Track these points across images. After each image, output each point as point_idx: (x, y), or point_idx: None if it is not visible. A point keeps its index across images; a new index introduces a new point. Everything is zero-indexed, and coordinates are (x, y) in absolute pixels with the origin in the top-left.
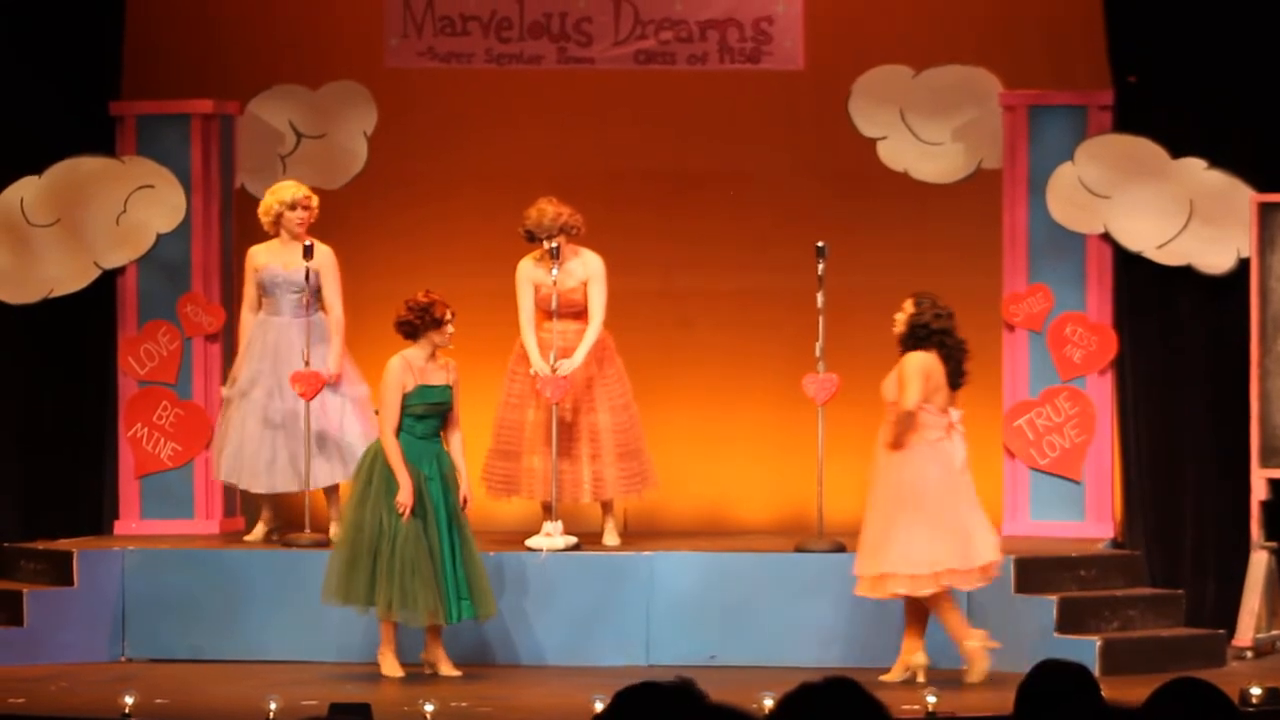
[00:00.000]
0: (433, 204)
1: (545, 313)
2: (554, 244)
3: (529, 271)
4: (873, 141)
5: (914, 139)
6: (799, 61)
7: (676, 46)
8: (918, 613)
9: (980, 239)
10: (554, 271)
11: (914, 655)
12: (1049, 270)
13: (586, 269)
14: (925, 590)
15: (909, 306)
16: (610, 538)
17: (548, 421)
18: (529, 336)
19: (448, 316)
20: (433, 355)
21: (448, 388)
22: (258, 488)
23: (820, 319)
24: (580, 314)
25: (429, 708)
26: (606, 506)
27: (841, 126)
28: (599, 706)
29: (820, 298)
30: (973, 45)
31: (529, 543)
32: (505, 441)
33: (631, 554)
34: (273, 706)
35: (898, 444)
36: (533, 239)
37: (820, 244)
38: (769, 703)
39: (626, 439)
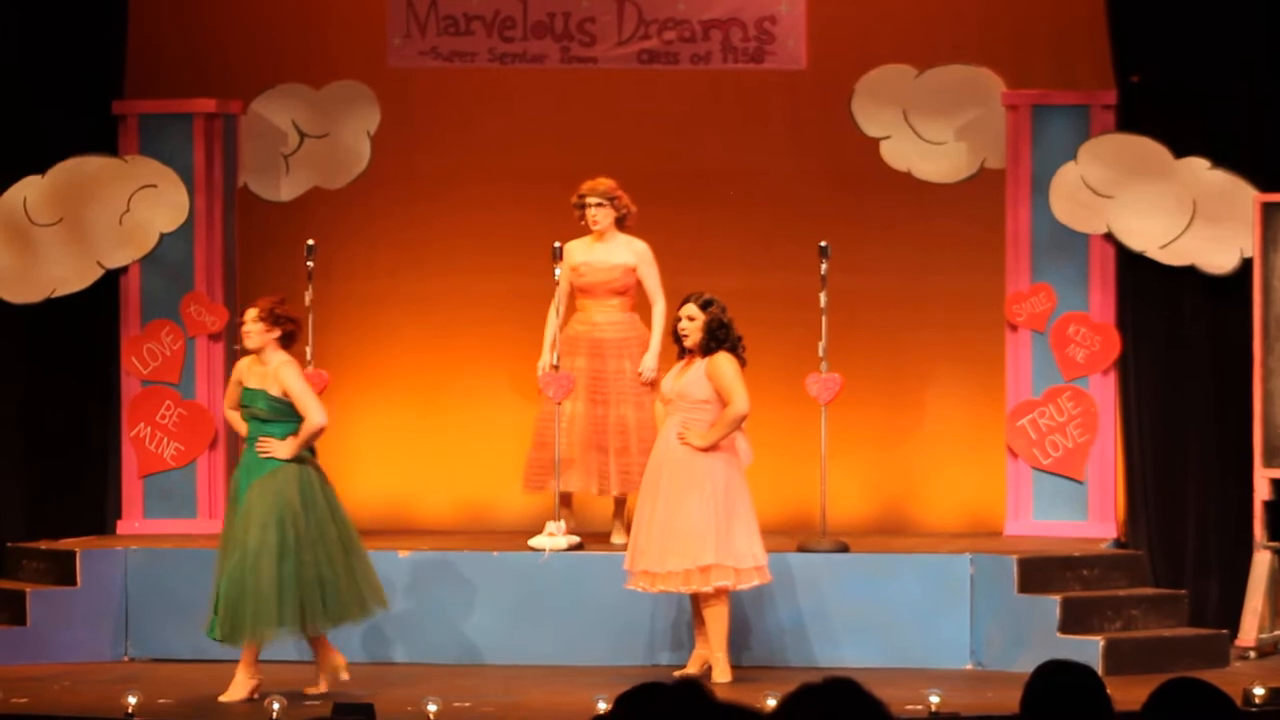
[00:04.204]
0: (436, 204)
1: (583, 293)
2: (557, 244)
3: (569, 253)
4: (876, 141)
5: (917, 138)
6: (802, 61)
7: (680, 46)
8: (700, 609)
9: (983, 238)
10: (556, 272)
11: (706, 650)
12: (1052, 270)
13: (633, 253)
14: (749, 583)
15: (696, 312)
16: (618, 536)
17: (587, 414)
18: (549, 324)
19: (240, 320)
20: (260, 357)
21: (253, 391)
22: None
23: (823, 319)
24: (618, 292)
25: (432, 708)
26: (618, 505)
27: (844, 126)
28: (602, 707)
29: (823, 297)
30: (976, 45)
31: (531, 542)
32: (547, 435)
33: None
34: (276, 707)
35: (717, 445)
36: (580, 206)
37: (823, 244)
38: (772, 703)
39: (641, 435)
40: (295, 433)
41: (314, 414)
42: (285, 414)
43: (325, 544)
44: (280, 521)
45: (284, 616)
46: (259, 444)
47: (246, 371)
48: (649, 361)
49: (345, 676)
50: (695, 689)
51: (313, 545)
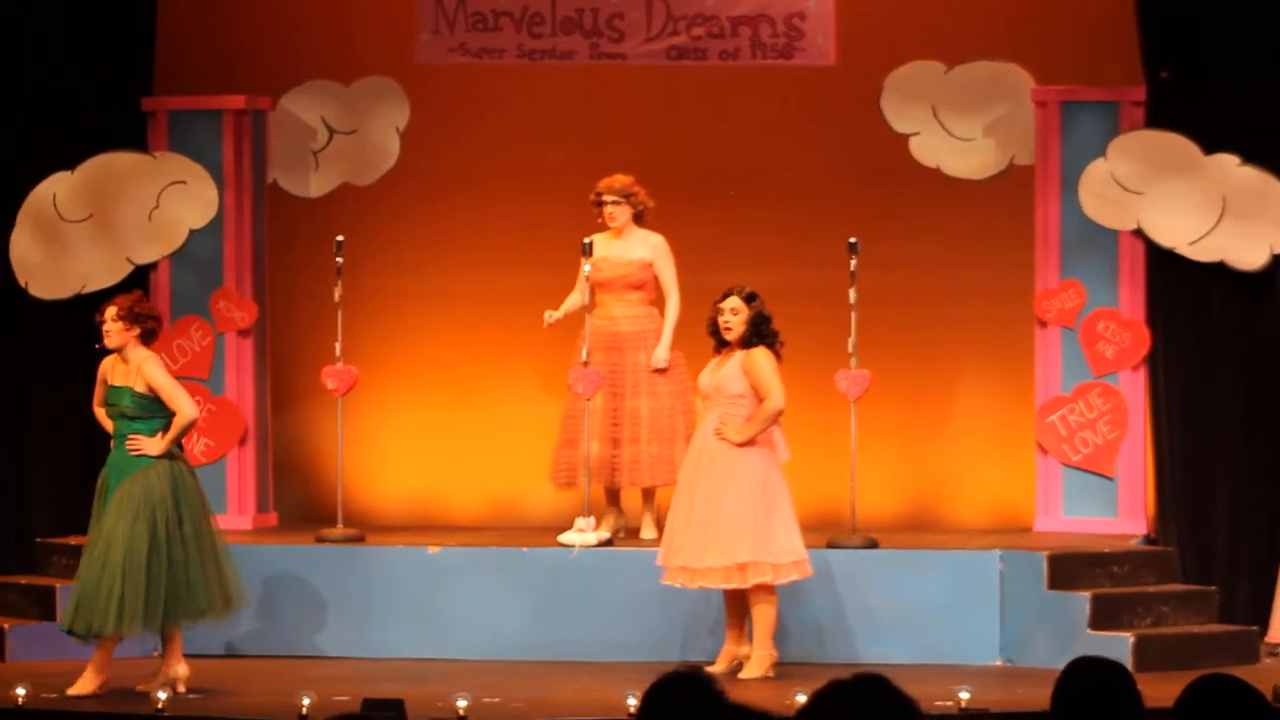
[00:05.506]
0: (464, 200)
1: (601, 288)
2: (587, 240)
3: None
4: (905, 137)
5: (946, 135)
6: (830, 57)
7: (708, 42)
8: (739, 604)
9: (1012, 235)
10: (585, 268)
11: (740, 646)
12: (1081, 266)
13: (649, 248)
14: (788, 578)
15: (741, 306)
16: (648, 531)
17: (607, 408)
18: (572, 295)
19: (100, 318)
20: (122, 355)
21: (118, 389)
22: None
23: (853, 315)
24: (636, 287)
25: (462, 704)
26: (647, 499)
27: (873, 122)
28: (631, 703)
29: (853, 293)
30: (1005, 41)
31: (561, 538)
32: (570, 430)
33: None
34: (306, 702)
35: (754, 440)
36: (598, 204)
37: (852, 240)
38: (801, 699)
39: (665, 425)
40: (164, 429)
41: (185, 407)
42: (152, 410)
43: (198, 540)
44: (151, 517)
45: (149, 613)
46: (129, 442)
47: (111, 370)
48: (660, 352)
49: (182, 689)
50: (704, 682)
51: (183, 542)
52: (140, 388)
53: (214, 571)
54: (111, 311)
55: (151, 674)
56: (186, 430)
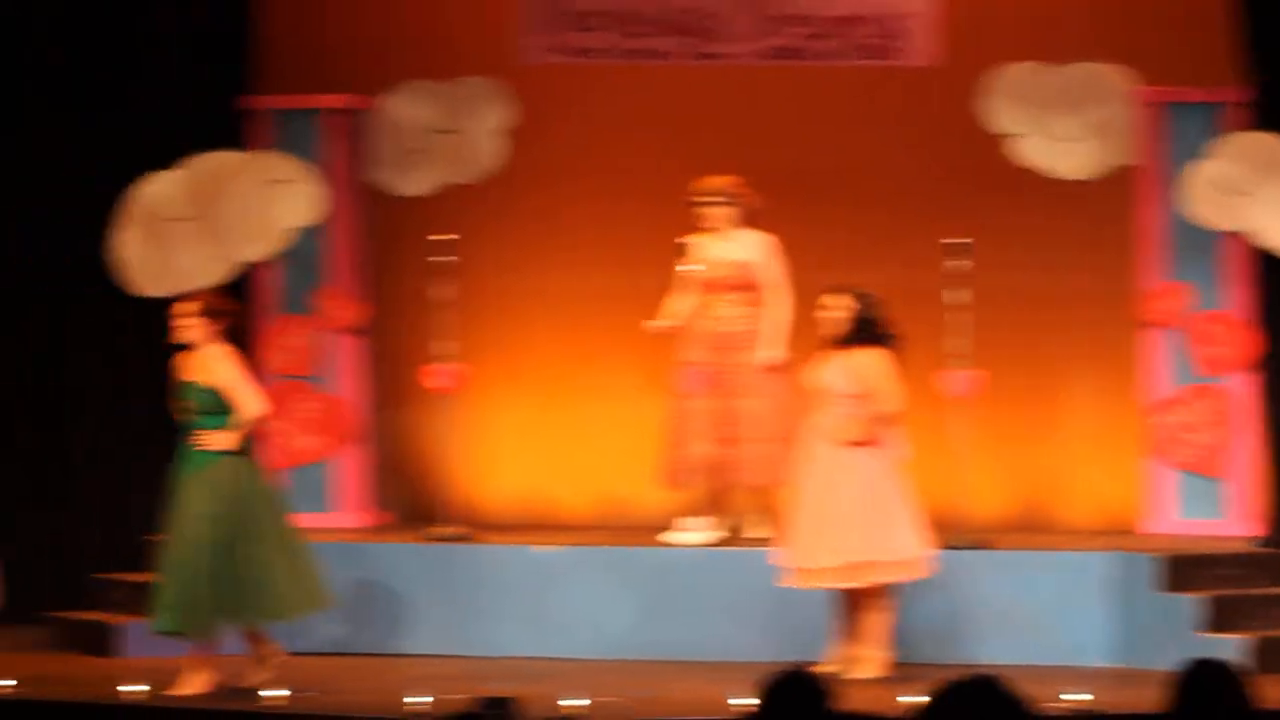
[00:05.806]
0: (564, 199)
1: (706, 289)
2: (687, 240)
3: (694, 248)
4: (1006, 138)
5: (1047, 136)
6: (930, 58)
7: (806, 42)
8: (850, 604)
9: (1116, 236)
10: (688, 268)
11: (849, 646)
12: (1186, 268)
13: (755, 247)
14: (902, 576)
15: (839, 301)
16: (756, 530)
17: (711, 410)
18: (675, 300)
19: (175, 314)
20: (196, 350)
21: (187, 384)
22: None
23: (964, 316)
24: (741, 288)
25: (580, 703)
26: (755, 498)
27: (973, 123)
28: (733, 704)
29: (966, 295)
30: (1107, 41)
31: (663, 537)
32: (677, 431)
33: (771, 549)
34: (427, 700)
35: (870, 440)
36: (695, 205)
37: (967, 241)
38: (902, 701)
39: (773, 424)
40: (232, 425)
41: (249, 404)
42: (221, 406)
43: (262, 539)
44: (215, 516)
45: (221, 611)
46: (196, 437)
47: (184, 365)
48: (770, 350)
49: (279, 660)
50: (812, 682)
51: (248, 540)
52: (208, 383)
53: (289, 569)
54: (189, 307)
55: (250, 669)
56: (252, 427)
